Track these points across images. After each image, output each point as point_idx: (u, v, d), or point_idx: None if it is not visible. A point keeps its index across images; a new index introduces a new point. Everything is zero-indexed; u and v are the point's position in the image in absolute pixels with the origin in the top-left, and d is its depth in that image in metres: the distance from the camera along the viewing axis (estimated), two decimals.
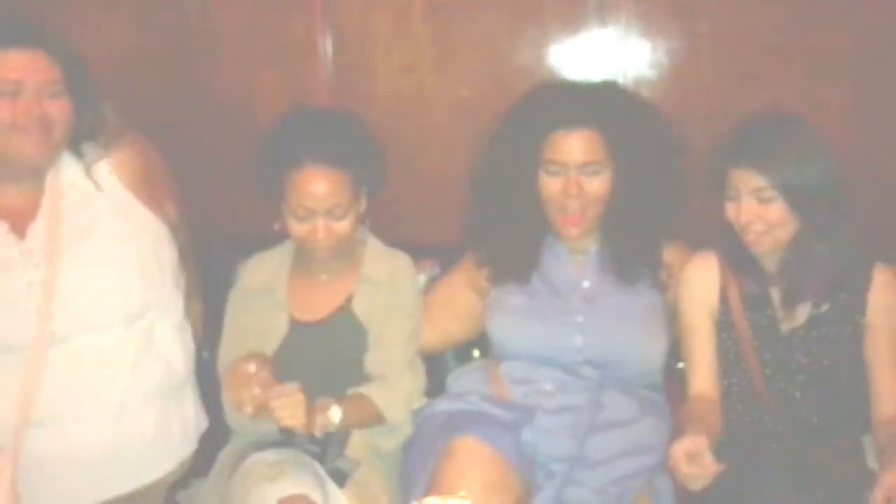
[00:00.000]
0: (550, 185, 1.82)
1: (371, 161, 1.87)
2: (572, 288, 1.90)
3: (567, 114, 1.80)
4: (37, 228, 1.71)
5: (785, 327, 1.78)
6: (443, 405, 1.82)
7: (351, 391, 1.81)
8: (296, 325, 1.88)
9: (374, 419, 1.82)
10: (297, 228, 1.80)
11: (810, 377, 1.75)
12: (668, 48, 2.30)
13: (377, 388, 1.82)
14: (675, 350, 1.87)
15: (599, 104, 1.83)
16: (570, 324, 1.85)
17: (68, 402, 1.70)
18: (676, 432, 1.70)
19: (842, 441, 1.77)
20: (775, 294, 1.79)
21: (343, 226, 1.80)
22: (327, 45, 2.42)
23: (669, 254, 1.90)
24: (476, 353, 2.09)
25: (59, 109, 1.68)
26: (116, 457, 1.75)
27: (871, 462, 1.76)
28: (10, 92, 1.64)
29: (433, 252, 2.19)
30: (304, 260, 1.91)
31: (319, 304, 1.90)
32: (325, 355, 1.87)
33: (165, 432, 1.82)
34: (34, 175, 1.73)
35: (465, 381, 1.90)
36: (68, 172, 1.76)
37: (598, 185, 1.81)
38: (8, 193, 1.73)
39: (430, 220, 2.34)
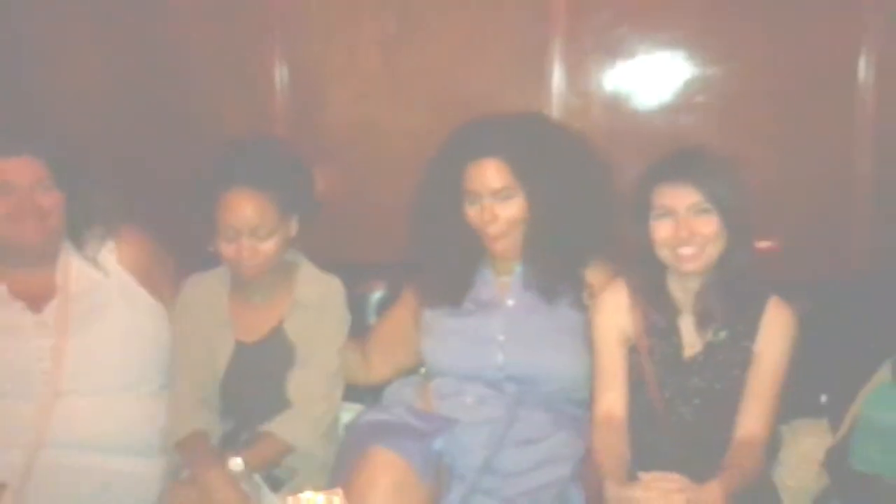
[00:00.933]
0: (471, 212, 1.96)
1: (298, 186, 2.00)
2: (496, 308, 2.02)
3: (476, 146, 1.95)
4: (52, 306, 2.00)
5: (687, 353, 1.87)
6: (368, 416, 1.95)
7: (260, 429, 1.95)
8: (238, 346, 2.02)
9: (284, 450, 1.94)
10: (226, 249, 1.94)
11: (705, 401, 1.85)
12: (599, 80, 2.46)
13: (281, 421, 1.95)
14: None
15: (506, 135, 1.96)
16: (493, 342, 1.98)
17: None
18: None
19: None
20: (682, 322, 1.88)
21: (268, 247, 1.93)
22: (284, 76, 2.57)
23: (592, 273, 2.00)
24: (423, 369, 2.16)
25: (50, 201, 1.96)
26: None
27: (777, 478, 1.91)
28: (3, 192, 1.93)
29: (385, 272, 2.35)
30: (238, 282, 2.04)
31: (255, 325, 2.03)
32: (262, 376, 2.00)
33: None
34: (42, 260, 2.02)
35: (399, 394, 2.03)
36: (77, 259, 2.04)
37: (510, 209, 1.94)
38: (23, 277, 2.02)
39: (381, 242, 2.44)
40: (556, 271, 1.98)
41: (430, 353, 2.04)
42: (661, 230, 1.82)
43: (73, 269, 2.03)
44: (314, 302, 2.02)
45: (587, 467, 1.90)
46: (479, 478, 1.83)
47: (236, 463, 1.85)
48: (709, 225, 1.80)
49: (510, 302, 2.03)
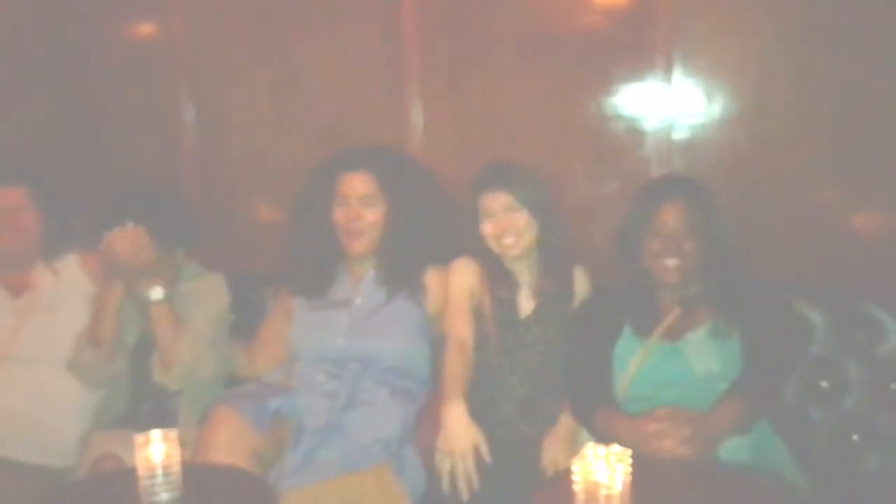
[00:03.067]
0: (339, 213, 2.42)
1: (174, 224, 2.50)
2: (345, 305, 2.47)
3: (350, 161, 2.43)
4: (27, 295, 2.59)
5: (522, 314, 2.36)
6: (234, 391, 2.41)
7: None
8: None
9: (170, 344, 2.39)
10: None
11: (543, 351, 2.33)
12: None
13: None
14: None
15: (374, 156, 2.45)
16: (339, 330, 2.42)
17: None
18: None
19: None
20: (520, 292, 2.36)
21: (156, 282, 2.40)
22: (191, 115, 3.03)
23: (429, 277, 2.45)
24: None
25: (28, 219, 2.57)
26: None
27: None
28: None
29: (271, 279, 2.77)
30: None
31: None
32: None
33: None
34: (20, 264, 2.61)
35: (270, 378, 2.46)
36: (45, 264, 2.63)
37: (372, 213, 2.41)
38: (7, 273, 2.63)
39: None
40: (402, 270, 2.43)
41: (292, 339, 2.48)
42: (487, 228, 2.32)
43: (44, 271, 2.61)
44: (192, 290, 2.49)
45: (421, 430, 2.34)
46: (323, 435, 2.24)
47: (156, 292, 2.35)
48: (520, 219, 2.29)
49: (358, 300, 2.48)
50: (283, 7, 2.91)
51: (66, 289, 2.61)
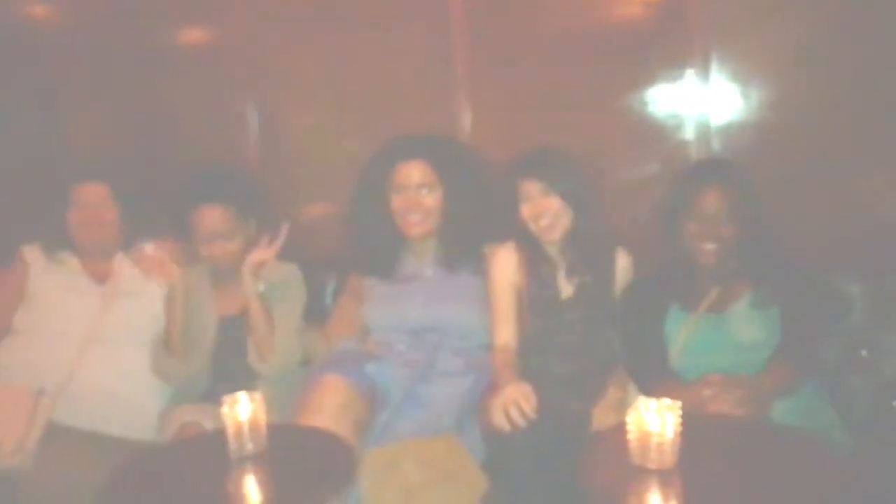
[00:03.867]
0: (397, 201, 2.57)
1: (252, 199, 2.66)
2: (416, 277, 2.62)
3: (406, 150, 2.57)
4: (109, 282, 2.78)
5: (563, 296, 2.48)
6: (325, 358, 2.55)
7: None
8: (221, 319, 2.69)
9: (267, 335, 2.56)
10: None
11: (583, 330, 2.44)
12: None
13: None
14: None
15: (430, 144, 2.59)
16: (412, 301, 2.56)
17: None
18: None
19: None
20: (558, 274, 2.48)
21: (232, 245, 2.58)
22: (254, 117, 3.22)
23: (489, 249, 2.56)
24: None
25: (110, 214, 2.78)
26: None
27: None
28: (80, 207, 2.75)
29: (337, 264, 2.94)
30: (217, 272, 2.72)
31: (231, 303, 2.68)
32: (238, 341, 2.67)
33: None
34: (102, 254, 2.80)
35: (344, 346, 2.60)
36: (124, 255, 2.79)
37: (430, 200, 2.55)
38: (93, 262, 2.81)
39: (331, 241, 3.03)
40: (462, 250, 2.57)
41: (368, 314, 2.62)
42: (525, 210, 2.45)
43: (123, 260, 2.79)
44: (274, 280, 2.65)
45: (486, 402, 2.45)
46: (404, 404, 2.39)
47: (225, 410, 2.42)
48: (554, 203, 2.41)
49: (427, 272, 2.62)
50: (336, 9, 3.07)
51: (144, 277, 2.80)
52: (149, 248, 2.77)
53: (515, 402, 2.18)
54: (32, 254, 2.82)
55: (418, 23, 3.01)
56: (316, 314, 2.81)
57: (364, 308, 2.64)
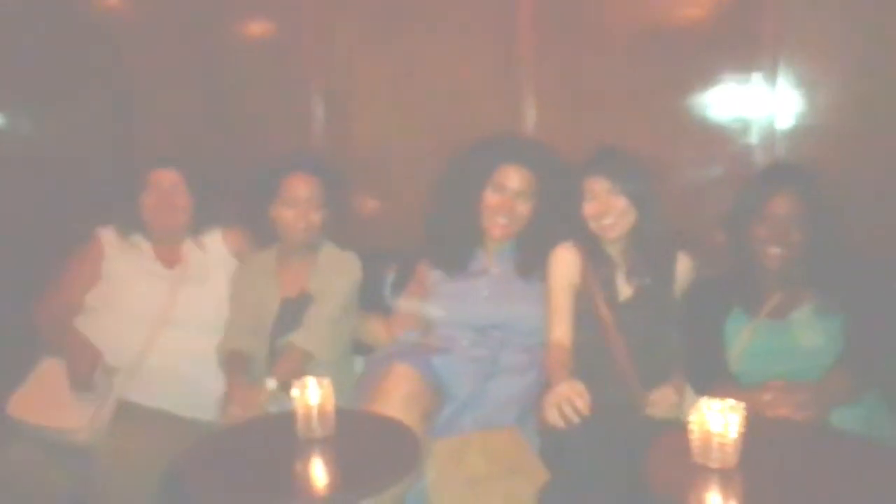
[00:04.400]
0: (493, 200, 2.59)
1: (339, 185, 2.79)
2: (484, 274, 2.65)
3: (512, 153, 2.60)
4: (179, 267, 2.87)
5: (622, 298, 2.49)
6: (387, 348, 2.62)
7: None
8: (282, 299, 2.77)
9: (302, 357, 2.58)
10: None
11: (643, 332, 2.43)
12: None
13: (297, 334, 2.63)
14: None
15: (533, 151, 2.64)
16: (479, 298, 2.60)
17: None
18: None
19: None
20: (618, 274, 2.49)
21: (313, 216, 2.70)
22: (320, 109, 3.29)
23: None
24: None
25: (182, 200, 2.87)
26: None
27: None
28: (154, 190, 2.85)
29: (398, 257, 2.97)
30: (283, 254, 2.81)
31: (294, 284, 2.77)
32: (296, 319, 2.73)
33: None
34: (172, 239, 2.90)
35: (406, 340, 2.65)
36: (193, 241, 2.91)
37: (525, 207, 2.59)
38: (163, 246, 2.90)
39: (398, 230, 3.11)
40: (539, 257, 2.58)
41: (434, 308, 2.65)
42: (589, 208, 2.46)
43: (193, 248, 2.91)
44: (332, 267, 2.74)
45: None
46: (469, 400, 2.44)
47: (271, 383, 2.51)
48: (619, 203, 2.42)
49: (495, 270, 2.66)
50: (402, 6, 3.13)
51: (212, 262, 2.90)
52: (217, 234, 2.89)
53: (569, 400, 2.19)
54: (107, 235, 2.91)
55: (485, 20, 3.05)
56: (375, 305, 2.87)
57: (430, 302, 2.68)
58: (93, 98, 3.52)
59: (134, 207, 2.88)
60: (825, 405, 2.13)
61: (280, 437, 1.97)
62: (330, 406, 1.94)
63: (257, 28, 3.36)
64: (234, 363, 2.63)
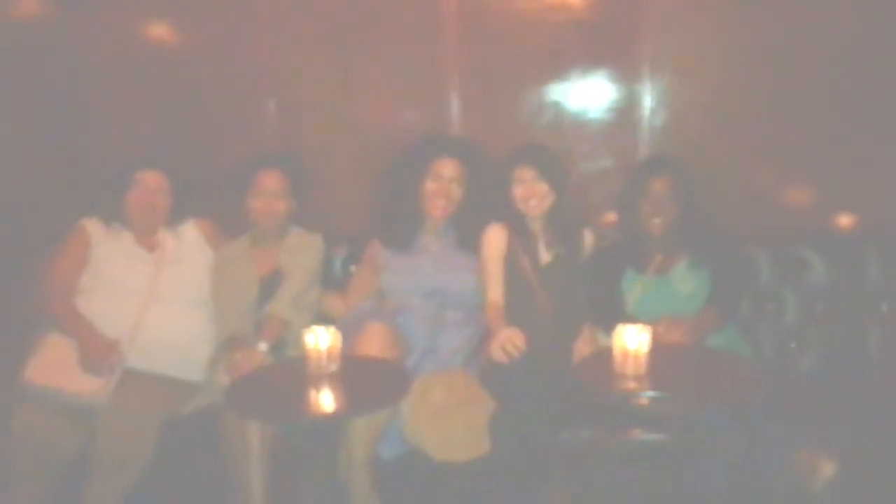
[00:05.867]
0: (432, 187, 3.17)
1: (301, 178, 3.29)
2: (426, 249, 3.24)
3: (446, 149, 3.20)
4: (157, 251, 3.27)
5: (542, 262, 3.13)
6: (355, 312, 3.15)
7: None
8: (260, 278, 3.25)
9: (281, 324, 3.09)
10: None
11: (560, 290, 3.09)
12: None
13: (273, 305, 3.13)
14: None
15: (462, 147, 3.26)
16: (424, 270, 3.18)
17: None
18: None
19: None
20: (539, 244, 3.14)
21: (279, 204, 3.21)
22: (272, 108, 3.78)
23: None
24: None
25: (163, 199, 3.28)
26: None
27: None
28: (139, 190, 3.26)
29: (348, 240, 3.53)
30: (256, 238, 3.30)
31: (266, 265, 3.26)
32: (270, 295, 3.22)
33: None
34: (151, 230, 3.30)
35: (367, 304, 3.20)
36: (168, 229, 3.33)
37: (458, 191, 3.19)
38: (143, 236, 3.30)
39: (342, 218, 3.63)
40: (474, 232, 3.16)
41: (387, 280, 3.21)
42: (517, 191, 3.10)
43: (168, 234, 3.33)
44: (299, 246, 3.26)
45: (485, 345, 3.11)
46: (425, 349, 3.03)
47: (262, 346, 3.01)
48: (542, 188, 3.08)
49: (435, 246, 3.24)
50: (347, 18, 3.65)
51: (187, 247, 3.34)
52: (190, 224, 3.32)
53: (510, 340, 2.81)
54: (92, 225, 3.29)
55: (414, 33, 3.63)
56: (327, 282, 3.38)
57: (383, 275, 3.23)
58: (51, 106, 3.84)
59: (119, 202, 3.28)
60: (701, 333, 2.85)
61: (295, 375, 2.49)
62: (336, 348, 2.47)
63: (215, 36, 3.76)
64: (234, 343, 3.08)
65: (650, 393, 2.33)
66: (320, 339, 2.46)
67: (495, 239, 3.15)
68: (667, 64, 3.51)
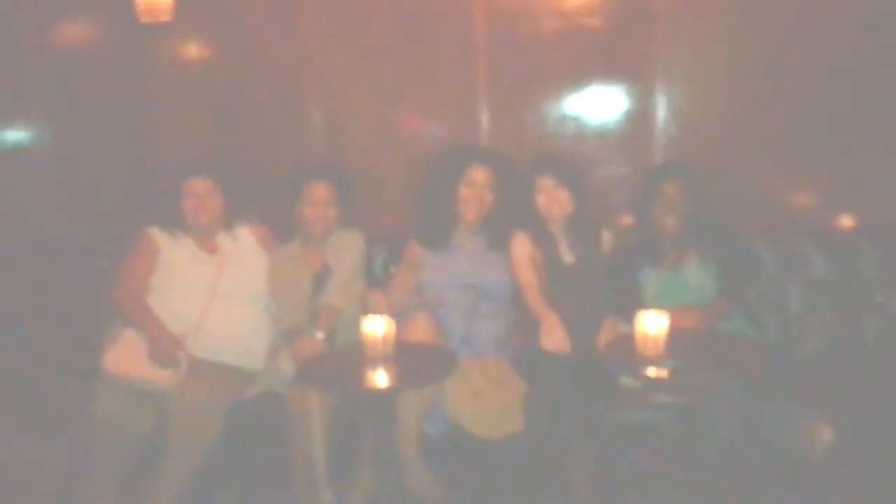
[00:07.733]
0: (466, 193, 3.49)
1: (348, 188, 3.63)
2: (461, 248, 3.56)
3: (478, 157, 3.53)
4: (217, 254, 3.60)
5: (566, 262, 3.46)
6: (404, 304, 3.47)
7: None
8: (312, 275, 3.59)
9: (334, 314, 3.41)
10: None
11: (582, 284, 3.42)
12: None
13: (327, 297, 3.47)
14: None
15: (492, 154, 3.59)
16: (459, 266, 3.51)
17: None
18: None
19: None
20: (561, 246, 3.46)
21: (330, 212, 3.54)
22: (319, 121, 4.12)
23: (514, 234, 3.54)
24: None
25: (214, 202, 3.58)
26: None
27: None
28: (191, 196, 3.56)
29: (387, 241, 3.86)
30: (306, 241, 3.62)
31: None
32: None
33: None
34: (209, 233, 3.62)
35: (408, 299, 3.51)
36: (226, 233, 3.64)
37: (490, 197, 3.50)
38: (202, 239, 3.62)
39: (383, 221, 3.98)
40: (503, 234, 3.51)
41: (425, 276, 3.54)
42: (540, 199, 3.43)
43: (226, 238, 3.65)
44: (343, 244, 3.60)
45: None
46: (462, 338, 3.36)
47: (319, 334, 3.35)
48: (563, 194, 3.41)
49: (468, 245, 3.57)
50: (388, 39, 4.01)
51: (244, 250, 3.67)
52: (245, 228, 3.67)
53: (563, 342, 3.21)
54: (157, 233, 3.64)
55: (448, 49, 3.99)
56: (371, 281, 3.70)
57: (421, 272, 3.56)
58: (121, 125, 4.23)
59: (176, 210, 3.61)
60: (711, 320, 3.18)
61: (355, 358, 2.83)
62: (391, 334, 2.80)
63: (267, 49, 4.13)
64: (294, 334, 3.42)
65: (670, 363, 2.66)
66: (377, 327, 2.79)
67: (521, 245, 3.48)
68: (678, 77, 3.85)
